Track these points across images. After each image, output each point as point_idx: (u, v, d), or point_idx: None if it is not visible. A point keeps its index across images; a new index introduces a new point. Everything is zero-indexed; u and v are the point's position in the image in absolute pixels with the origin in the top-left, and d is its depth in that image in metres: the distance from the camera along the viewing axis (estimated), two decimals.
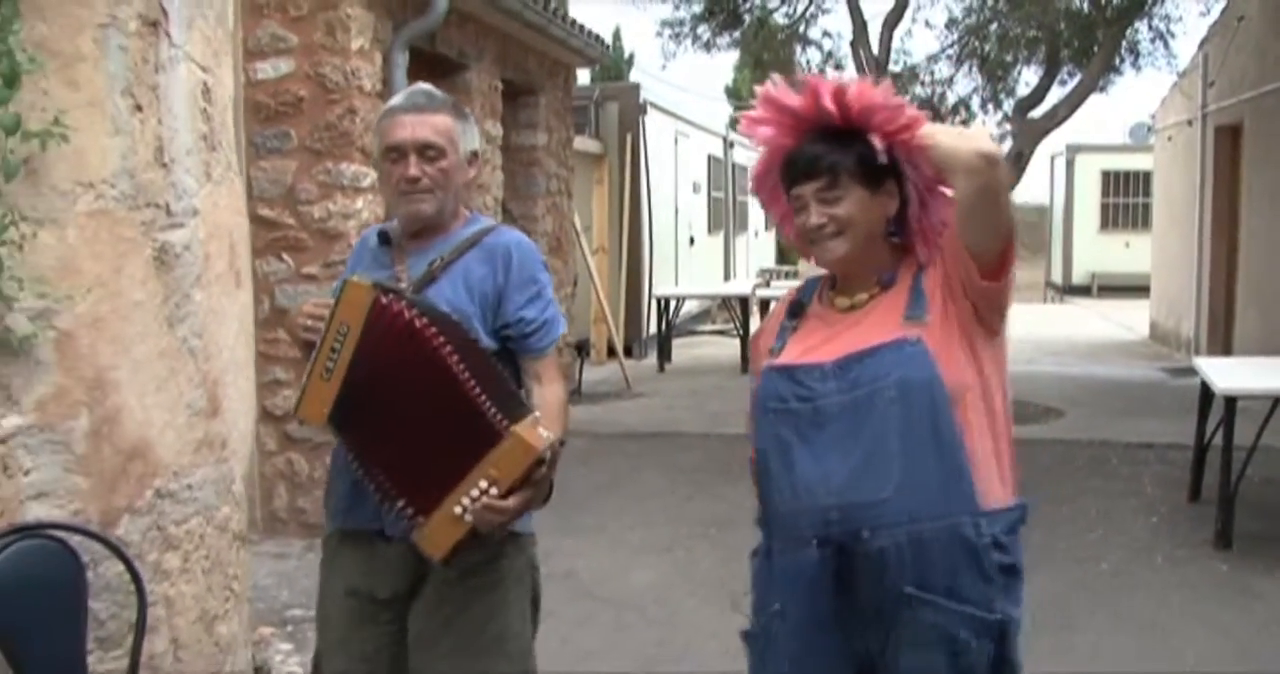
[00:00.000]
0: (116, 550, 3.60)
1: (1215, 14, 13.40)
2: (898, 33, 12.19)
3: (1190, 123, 14.88)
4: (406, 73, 6.99)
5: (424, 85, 3.19)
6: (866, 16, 11.90)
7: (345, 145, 6.66)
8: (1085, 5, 11.19)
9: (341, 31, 6.52)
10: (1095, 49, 11.56)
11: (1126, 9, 11.17)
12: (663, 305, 14.23)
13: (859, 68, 11.76)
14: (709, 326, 18.13)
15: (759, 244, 25.07)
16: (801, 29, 13.01)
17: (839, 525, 2.43)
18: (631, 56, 27.50)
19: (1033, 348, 15.50)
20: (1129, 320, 19.66)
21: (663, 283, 15.62)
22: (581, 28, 10.28)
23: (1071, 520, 7.17)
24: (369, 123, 6.80)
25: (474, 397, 2.70)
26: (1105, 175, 28.00)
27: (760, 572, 2.68)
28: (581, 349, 12.31)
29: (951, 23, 12.84)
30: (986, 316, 2.50)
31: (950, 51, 12.85)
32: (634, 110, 14.60)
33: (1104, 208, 28.10)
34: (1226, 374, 7.14)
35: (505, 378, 2.87)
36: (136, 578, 3.60)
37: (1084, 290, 27.28)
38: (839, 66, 13.01)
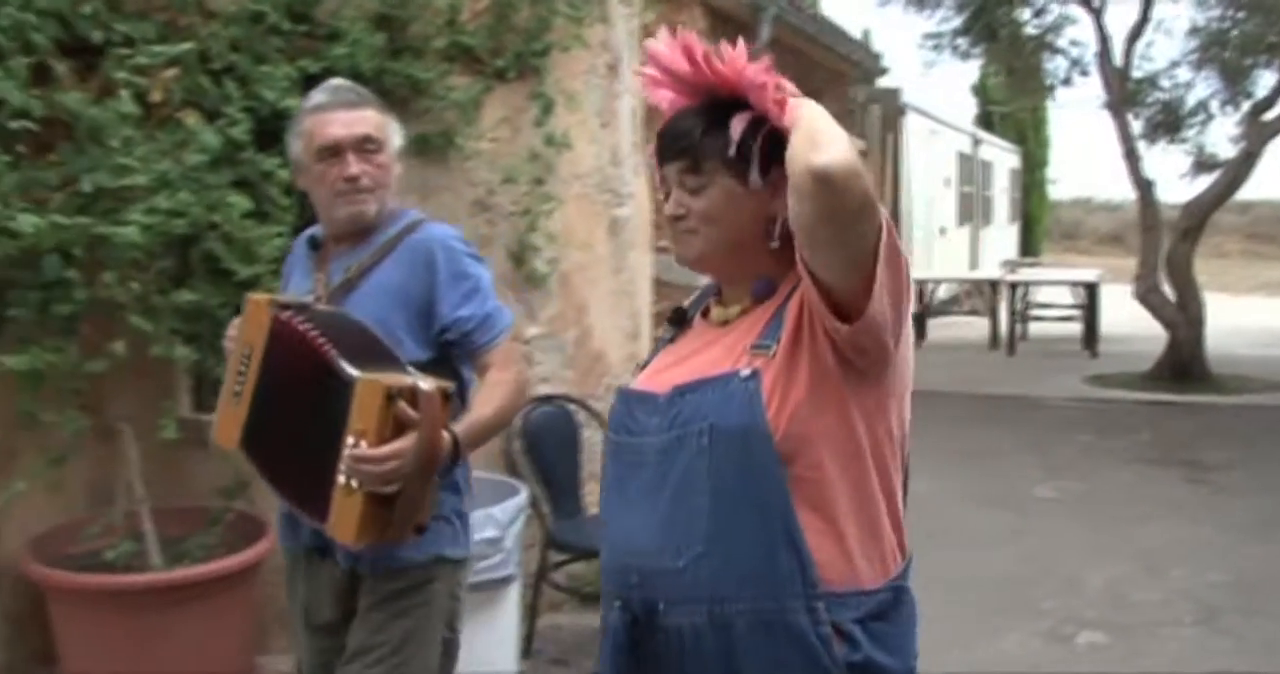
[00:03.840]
0: (600, 419, 5.41)
1: None
2: (1139, 43, 13.37)
3: None
4: None
5: (343, 80, 2.94)
6: (1111, 29, 13.13)
7: None
8: None
9: None
10: None
11: None
12: (920, 288, 15.79)
13: (1104, 76, 13.00)
14: (958, 309, 19.48)
15: (1003, 236, 26.14)
16: (1049, 38, 14.26)
17: (639, 592, 1.99)
18: (879, 57, 28.70)
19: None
20: None
21: (917, 269, 17.02)
22: (860, 44, 11.89)
23: None
24: None
25: (331, 360, 2.49)
26: None
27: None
28: None
29: (1194, 30, 13.77)
30: (852, 356, 1.90)
31: (1191, 57, 13.82)
32: (894, 112, 16.11)
33: None
34: None
35: (389, 356, 2.60)
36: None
37: None
38: (1084, 73, 14.22)
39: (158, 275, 4.04)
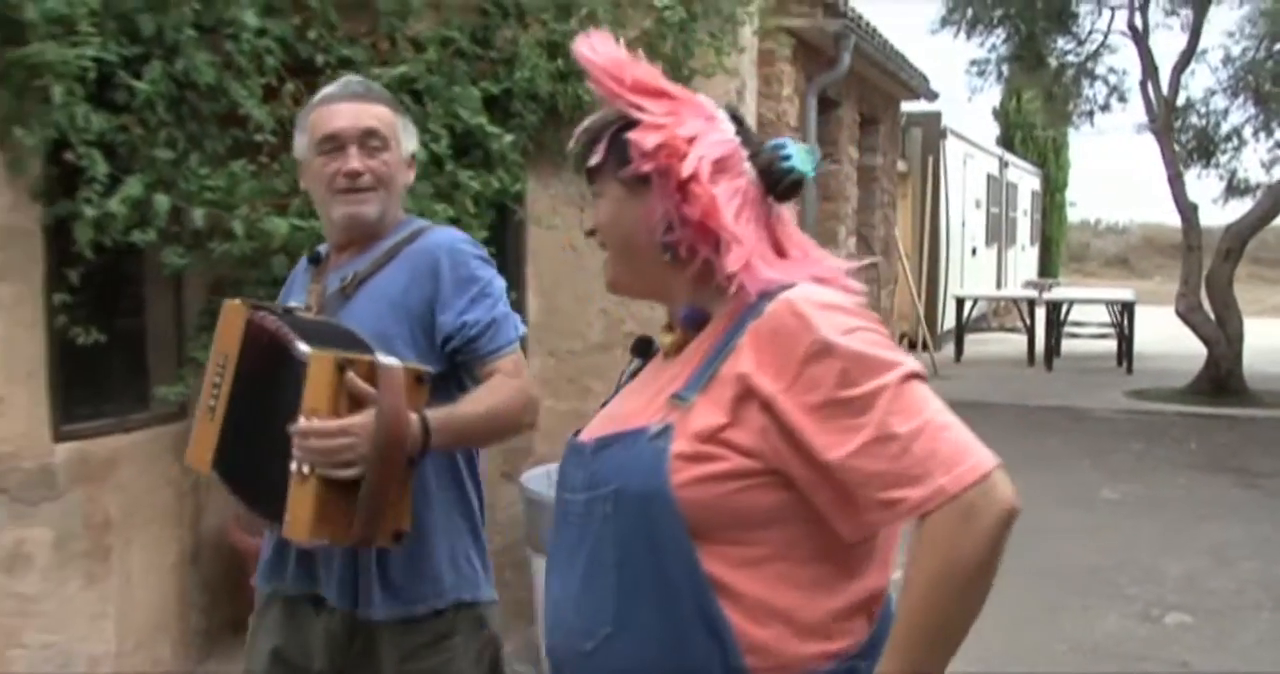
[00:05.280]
0: None
1: None
2: (1185, 72, 13.77)
3: None
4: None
5: (356, 76, 2.72)
6: (1156, 59, 13.56)
7: None
8: None
9: (776, 83, 8.77)
10: None
11: None
12: (960, 305, 16.33)
13: (1146, 103, 13.48)
14: (987, 326, 20.02)
15: (1025, 257, 26.65)
16: (1089, 65, 14.74)
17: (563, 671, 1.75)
18: (928, 81, 29.04)
19: None
20: None
21: (952, 288, 17.64)
22: (915, 69, 12.38)
23: None
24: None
25: (289, 345, 2.23)
26: None
27: None
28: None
29: (1227, 60, 14.30)
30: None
31: (1226, 86, 14.30)
32: (935, 135, 16.67)
33: None
34: None
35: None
36: None
37: None
38: (1123, 99, 14.72)
39: None
